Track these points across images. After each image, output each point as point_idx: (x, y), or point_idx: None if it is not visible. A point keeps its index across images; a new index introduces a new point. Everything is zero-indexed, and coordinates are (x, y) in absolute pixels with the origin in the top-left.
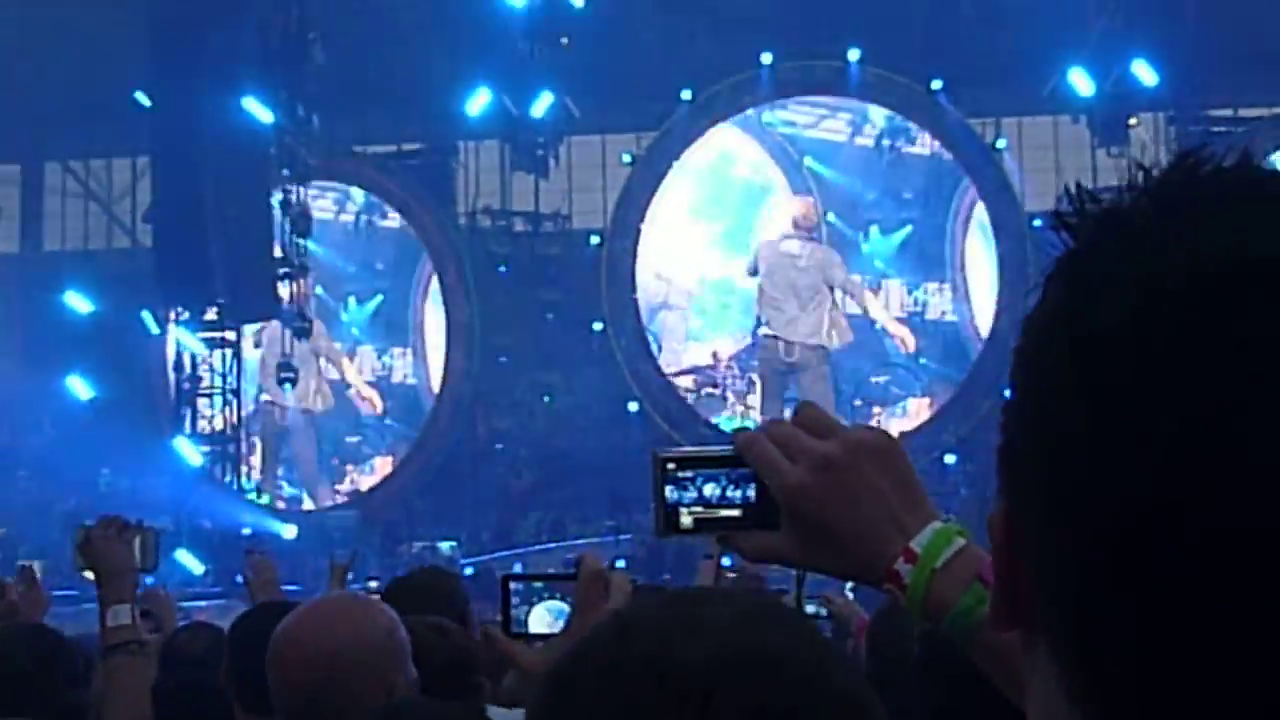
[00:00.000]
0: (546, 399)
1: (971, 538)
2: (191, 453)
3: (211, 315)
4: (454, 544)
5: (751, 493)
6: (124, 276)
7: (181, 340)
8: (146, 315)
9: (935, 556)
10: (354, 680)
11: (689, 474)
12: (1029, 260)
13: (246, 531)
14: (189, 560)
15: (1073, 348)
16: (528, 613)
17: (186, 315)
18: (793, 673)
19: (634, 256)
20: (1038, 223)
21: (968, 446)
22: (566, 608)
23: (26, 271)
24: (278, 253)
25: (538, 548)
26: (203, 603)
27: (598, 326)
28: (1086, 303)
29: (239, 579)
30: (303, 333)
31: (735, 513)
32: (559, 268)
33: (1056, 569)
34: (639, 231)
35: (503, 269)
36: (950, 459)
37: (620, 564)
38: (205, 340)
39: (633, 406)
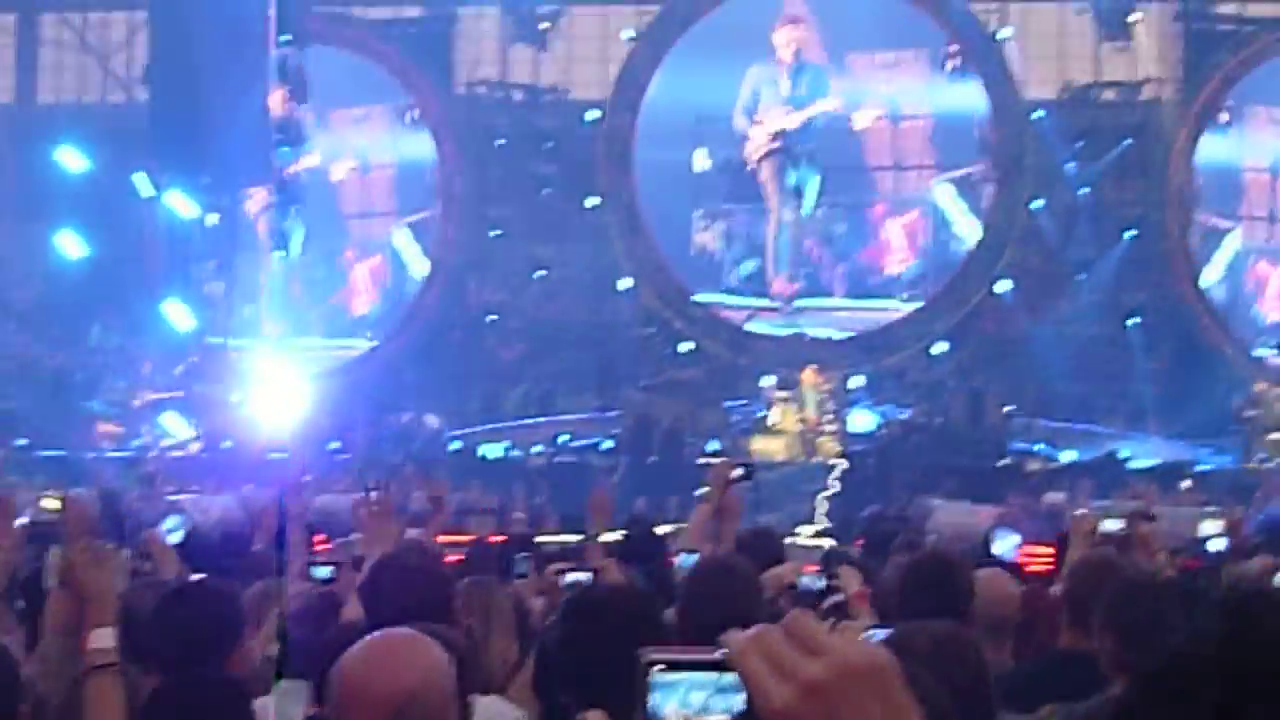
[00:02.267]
0: (540, 273)
1: None
2: (182, 317)
3: (206, 179)
4: (440, 417)
5: (740, 702)
6: (119, 132)
7: (175, 203)
8: (140, 178)
9: None
10: None
11: (675, 678)
12: (1026, 151)
13: (235, 399)
14: (176, 425)
15: None
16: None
17: (181, 178)
18: None
19: (632, 132)
20: (1039, 113)
21: (958, 336)
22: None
23: (20, 123)
24: (274, 118)
25: (526, 421)
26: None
27: (592, 202)
28: None
29: (226, 444)
30: (296, 201)
31: None
32: (556, 141)
33: None
34: (638, 108)
35: (499, 141)
36: (940, 348)
37: (607, 444)
38: (200, 204)
39: (624, 283)
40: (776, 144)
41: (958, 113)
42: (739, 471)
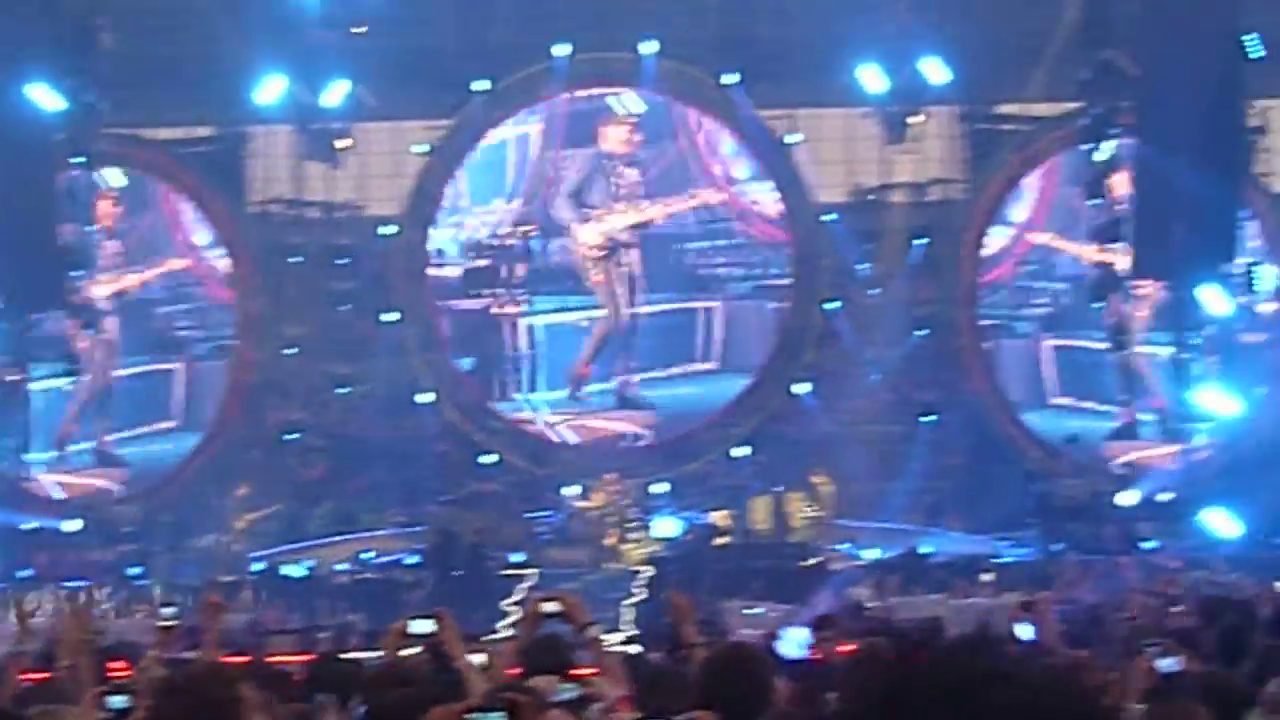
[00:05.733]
0: (341, 390)
1: None
2: None
3: None
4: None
5: None
6: None
7: None
8: None
9: None
10: None
11: None
12: (820, 254)
13: (28, 527)
14: None
15: None
16: None
17: None
18: None
19: (427, 246)
20: (830, 217)
21: (759, 439)
22: None
23: None
24: (64, 242)
25: (328, 540)
26: None
27: (390, 317)
28: None
29: (18, 574)
30: (90, 325)
31: None
32: (352, 257)
33: None
34: (431, 220)
35: (295, 259)
36: (741, 452)
37: (411, 559)
38: None
39: (424, 397)
40: (612, 243)
41: None
42: (552, 606)
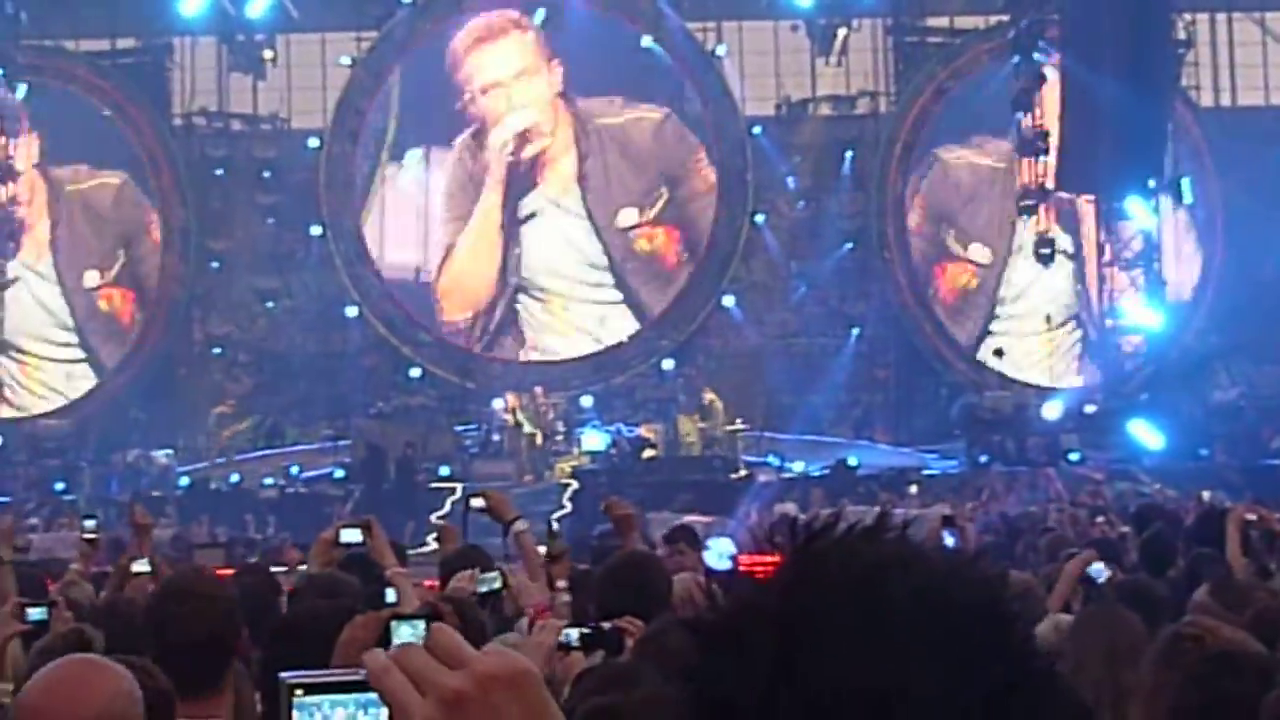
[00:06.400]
0: (269, 304)
1: None
2: None
3: None
4: (169, 452)
5: (384, 718)
6: None
7: None
8: None
9: None
10: None
11: (318, 699)
12: (748, 166)
13: None
14: None
15: None
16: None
17: None
18: None
19: (353, 159)
20: (757, 130)
21: (685, 352)
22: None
23: None
24: None
25: (255, 454)
26: None
27: (316, 230)
28: None
29: None
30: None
31: None
32: (277, 171)
33: None
34: (358, 133)
35: (219, 172)
36: (668, 364)
37: (339, 473)
38: None
39: (351, 311)
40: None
41: None
42: (478, 502)
